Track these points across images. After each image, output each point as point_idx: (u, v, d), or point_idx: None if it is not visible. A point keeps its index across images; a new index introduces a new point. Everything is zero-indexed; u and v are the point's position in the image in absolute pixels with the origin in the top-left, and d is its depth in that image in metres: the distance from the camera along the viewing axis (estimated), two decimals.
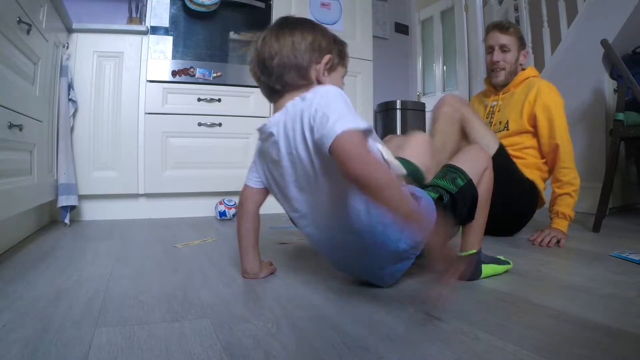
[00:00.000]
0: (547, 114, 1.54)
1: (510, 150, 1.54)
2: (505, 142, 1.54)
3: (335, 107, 0.73)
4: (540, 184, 1.58)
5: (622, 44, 2.08)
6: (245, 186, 1.01)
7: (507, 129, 1.63)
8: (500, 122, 1.67)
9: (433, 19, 4.18)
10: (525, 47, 1.70)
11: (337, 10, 2.52)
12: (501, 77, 1.66)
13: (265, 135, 0.88)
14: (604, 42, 1.82)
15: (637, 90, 1.68)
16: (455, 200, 0.91)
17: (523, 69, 1.69)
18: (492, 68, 1.68)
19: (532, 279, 1.03)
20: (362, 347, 0.64)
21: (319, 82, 0.86)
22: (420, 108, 3.32)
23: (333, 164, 0.72)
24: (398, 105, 3.21)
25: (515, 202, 1.50)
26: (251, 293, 0.92)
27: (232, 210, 2.06)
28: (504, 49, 1.63)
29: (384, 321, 0.74)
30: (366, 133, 0.72)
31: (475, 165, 0.98)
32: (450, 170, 0.96)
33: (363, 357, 0.61)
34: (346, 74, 0.96)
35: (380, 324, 0.73)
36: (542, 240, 1.43)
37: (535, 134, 1.59)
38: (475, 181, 0.95)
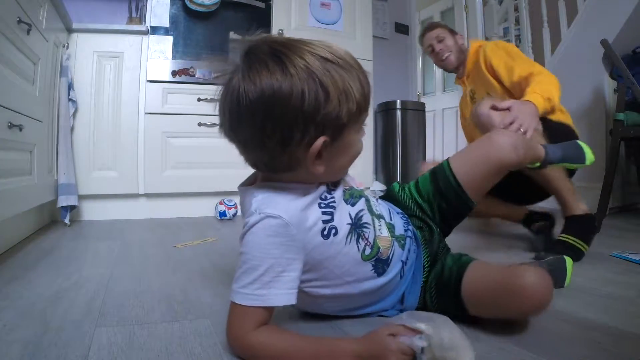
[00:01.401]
0: (498, 56, 1.50)
1: None
2: None
3: (246, 259, 0.59)
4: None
5: (622, 44, 2.08)
6: None
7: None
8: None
9: (433, 19, 4.18)
10: (457, 33, 1.72)
11: (337, 10, 2.52)
12: (452, 59, 1.66)
13: None
14: (604, 42, 1.82)
15: (637, 90, 1.68)
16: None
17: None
18: (441, 60, 1.67)
19: None
20: None
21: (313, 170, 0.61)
22: (420, 108, 3.32)
23: None
24: (398, 105, 3.21)
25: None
26: None
27: (232, 210, 2.06)
28: (439, 39, 1.66)
29: (384, 321, 0.74)
30: (254, 312, 0.58)
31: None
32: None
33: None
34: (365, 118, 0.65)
35: (381, 324, 0.73)
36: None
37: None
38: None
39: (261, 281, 0.58)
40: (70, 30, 1.97)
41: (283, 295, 0.59)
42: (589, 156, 1.12)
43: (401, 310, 0.75)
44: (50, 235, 1.60)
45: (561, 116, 1.42)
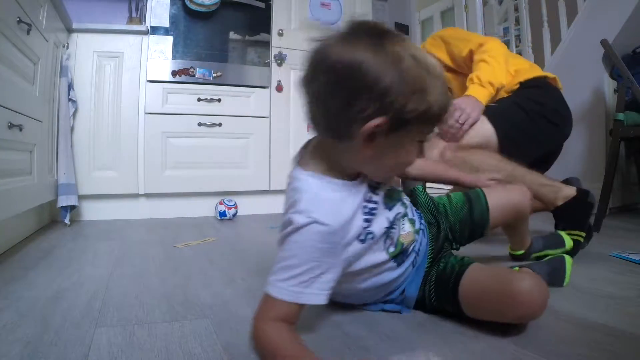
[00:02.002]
0: (438, 50, 1.46)
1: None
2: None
3: (287, 256, 0.60)
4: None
5: (622, 44, 2.08)
6: None
7: (451, 92, 1.54)
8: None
9: (433, 19, 4.17)
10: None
11: (337, 10, 2.52)
12: None
13: None
14: (604, 42, 1.82)
15: (637, 90, 1.68)
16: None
17: None
18: None
19: None
20: (362, 347, 0.64)
21: (365, 148, 0.59)
22: None
23: None
24: None
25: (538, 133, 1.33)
26: (251, 293, 0.92)
27: (232, 210, 2.06)
28: None
29: (384, 321, 0.74)
30: (287, 307, 0.59)
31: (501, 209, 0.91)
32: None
33: (363, 357, 0.61)
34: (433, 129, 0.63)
35: (380, 324, 0.73)
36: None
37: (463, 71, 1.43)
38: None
39: (299, 280, 0.59)
40: (70, 30, 1.97)
41: (317, 295, 0.60)
42: (568, 242, 1.16)
43: (402, 301, 0.78)
44: (50, 235, 1.60)
45: (503, 92, 1.37)
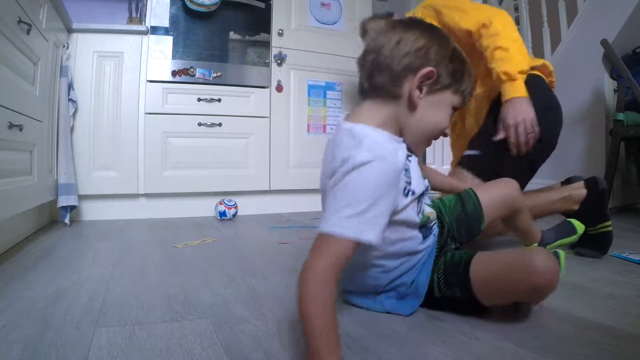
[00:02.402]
0: (430, 18, 1.33)
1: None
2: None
3: (350, 193, 0.60)
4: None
5: (622, 44, 2.08)
6: None
7: None
8: None
9: None
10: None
11: (337, 10, 2.52)
12: None
13: None
14: (604, 42, 1.82)
15: (637, 90, 1.68)
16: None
17: None
18: None
19: None
20: (362, 347, 0.64)
21: (411, 102, 0.69)
22: None
23: None
24: None
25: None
26: (251, 293, 0.92)
27: (232, 210, 2.06)
28: None
29: (384, 321, 0.74)
30: (350, 244, 0.59)
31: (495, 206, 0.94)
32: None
33: (363, 357, 0.61)
34: (461, 105, 0.74)
35: (380, 324, 0.73)
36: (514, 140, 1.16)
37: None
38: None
39: (362, 217, 0.59)
40: (70, 30, 1.97)
41: (375, 234, 0.60)
42: (579, 226, 1.16)
43: (412, 292, 0.78)
44: (50, 235, 1.60)
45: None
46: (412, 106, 0.69)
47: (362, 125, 0.68)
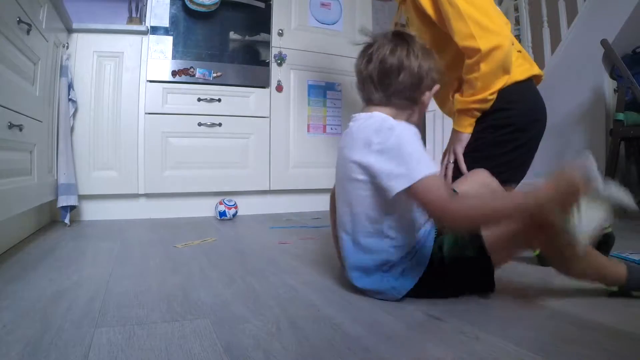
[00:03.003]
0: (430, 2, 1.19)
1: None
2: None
3: (412, 150, 0.76)
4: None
5: (622, 44, 2.08)
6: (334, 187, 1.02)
7: None
8: None
9: None
10: None
11: (337, 10, 2.52)
12: None
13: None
14: (604, 42, 1.82)
15: (637, 90, 1.68)
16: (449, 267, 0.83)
17: None
18: None
19: (532, 278, 1.03)
20: (362, 347, 0.64)
21: (422, 106, 0.90)
22: None
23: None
24: None
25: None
26: (251, 293, 0.92)
27: (232, 210, 2.06)
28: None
29: (384, 321, 0.74)
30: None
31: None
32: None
33: (363, 357, 0.61)
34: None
35: (380, 324, 0.73)
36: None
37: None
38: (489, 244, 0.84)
39: (427, 158, 0.75)
40: (70, 30, 1.97)
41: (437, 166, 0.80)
42: None
43: (416, 261, 0.83)
44: (50, 235, 1.60)
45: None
46: (422, 107, 0.89)
47: (378, 112, 0.84)
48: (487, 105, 1.16)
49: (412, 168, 0.74)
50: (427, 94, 0.87)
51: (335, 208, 1.00)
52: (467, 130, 1.21)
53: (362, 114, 0.86)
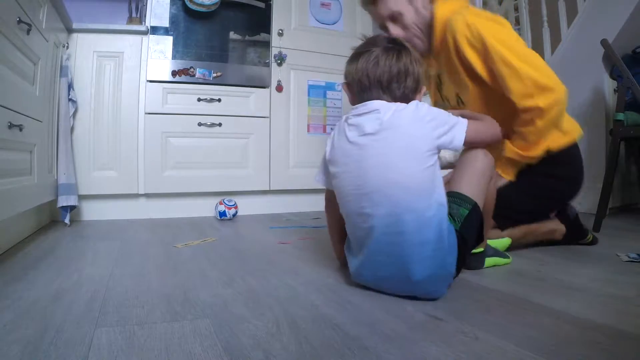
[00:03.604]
0: (478, 56, 1.14)
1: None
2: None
3: (440, 115, 0.92)
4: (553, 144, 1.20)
5: (622, 44, 2.08)
6: (327, 189, 1.08)
7: (463, 103, 1.28)
8: (450, 98, 1.33)
9: None
10: None
11: (337, 10, 2.52)
12: (420, 45, 1.25)
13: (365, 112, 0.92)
14: (604, 42, 1.82)
15: (637, 90, 1.68)
16: (462, 234, 0.88)
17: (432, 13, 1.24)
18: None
19: (532, 279, 1.03)
20: (362, 347, 0.64)
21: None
22: None
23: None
24: None
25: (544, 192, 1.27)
26: (251, 293, 0.92)
27: (232, 210, 2.06)
28: (391, 18, 1.24)
29: (384, 321, 0.75)
30: None
31: (480, 181, 0.95)
32: (452, 202, 0.91)
33: (363, 357, 0.61)
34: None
35: (380, 324, 0.73)
36: None
37: (493, 91, 1.18)
38: (481, 200, 0.93)
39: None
40: (70, 30, 1.97)
41: None
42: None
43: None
44: (50, 235, 1.60)
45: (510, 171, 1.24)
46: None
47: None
48: (536, 161, 1.21)
49: (453, 125, 0.91)
50: (419, 95, 0.96)
51: (332, 209, 1.03)
52: (510, 177, 1.24)
53: (382, 104, 0.91)
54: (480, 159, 0.96)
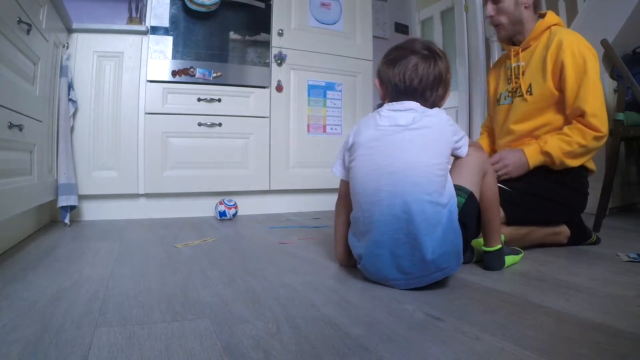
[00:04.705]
0: (575, 66, 1.29)
1: (538, 133, 1.38)
2: (527, 125, 1.39)
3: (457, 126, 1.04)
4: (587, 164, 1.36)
5: (622, 44, 2.08)
6: (343, 181, 1.11)
7: (531, 93, 1.38)
8: (521, 87, 1.41)
9: (433, 19, 4.17)
10: None
11: (337, 10, 2.52)
12: (502, 32, 1.42)
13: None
14: (604, 42, 1.82)
15: (637, 90, 1.68)
16: (462, 220, 0.95)
17: (541, 15, 1.42)
18: (493, 25, 1.44)
19: (532, 279, 1.03)
20: (362, 347, 0.64)
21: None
22: None
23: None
24: None
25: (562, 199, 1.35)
26: (251, 293, 0.92)
27: (232, 210, 2.06)
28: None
29: (384, 321, 0.74)
30: None
31: (474, 174, 1.03)
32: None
33: (363, 357, 0.61)
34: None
35: (380, 324, 0.73)
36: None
37: (562, 101, 1.33)
38: (476, 190, 1.02)
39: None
40: (70, 30, 1.97)
41: None
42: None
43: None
44: (50, 235, 1.60)
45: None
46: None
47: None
48: (561, 168, 1.32)
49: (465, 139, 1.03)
50: (444, 101, 1.06)
51: (344, 205, 1.09)
52: (532, 165, 1.31)
53: (414, 107, 1.00)
54: (473, 155, 1.05)
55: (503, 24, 1.40)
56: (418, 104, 1.00)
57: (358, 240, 1.00)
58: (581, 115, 1.28)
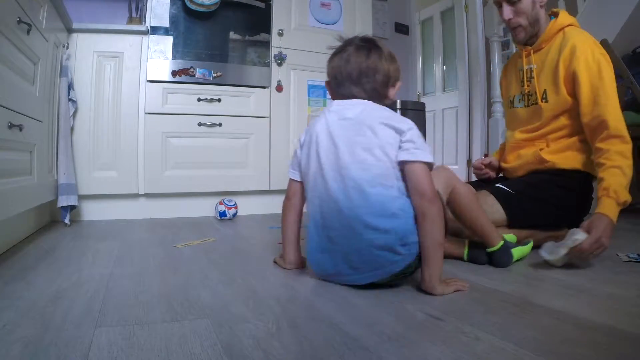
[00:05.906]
0: (589, 74, 1.25)
1: (549, 138, 1.37)
2: (542, 130, 1.37)
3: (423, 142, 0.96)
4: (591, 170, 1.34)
5: (622, 44, 2.08)
6: (291, 181, 1.14)
7: (546, 100, 1.35)
8: (536, 92, 1.38)
9: (433, 19, 4.18)
10: None
11: (337, 10, 2.52)
12: (521, 34, 1.36)
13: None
14: (604, 42, 1.82)
15: (637, 90, 1.68)
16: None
17: (553, 13, 1.38)
18: (510, 28, 1.38)
19: (532, 279, 1.03)
20: (362, 347, 0.64)
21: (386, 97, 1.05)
22: (420, 108, 3.31)
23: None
24: (398, 105, 3.20)
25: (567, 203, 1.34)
26: (251, 293, 0.92)
27: (232, 210, 2.06)
28: (511, 0, 1.32)
29: (384, 321, 0.74)
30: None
31: (439, 185, 1.01)
32: None
33: (363, 357, 0.61)
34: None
35: (380, 324, 0.73)
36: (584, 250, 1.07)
37: (575, 107, 1.29)
38: (444, 200, 1.05)
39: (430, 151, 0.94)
40: (70, 30, 1.97)
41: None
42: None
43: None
44: (50, 235, 1.60)
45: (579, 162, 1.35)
46: (388, 99, 1.06)
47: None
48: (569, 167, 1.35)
49: (425, 150, 0.92)
50: (392, 90, 1.04)
51: (295, 205, 1.11)
52: (615, 218, 1.15)
53: (358, 102, 1.00)
54: (442, 171, 1.13)
55: (523, 25, 1.34)
56: (363, 100, 1.00)
57: (315, 235, 0.99)
58: (603, 124, 1.22)
